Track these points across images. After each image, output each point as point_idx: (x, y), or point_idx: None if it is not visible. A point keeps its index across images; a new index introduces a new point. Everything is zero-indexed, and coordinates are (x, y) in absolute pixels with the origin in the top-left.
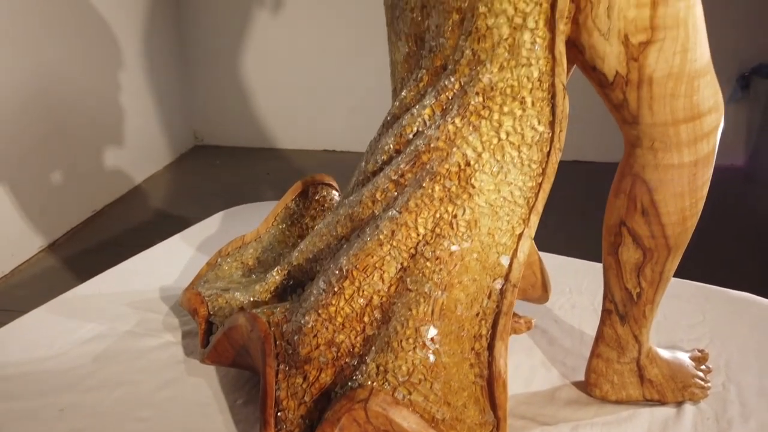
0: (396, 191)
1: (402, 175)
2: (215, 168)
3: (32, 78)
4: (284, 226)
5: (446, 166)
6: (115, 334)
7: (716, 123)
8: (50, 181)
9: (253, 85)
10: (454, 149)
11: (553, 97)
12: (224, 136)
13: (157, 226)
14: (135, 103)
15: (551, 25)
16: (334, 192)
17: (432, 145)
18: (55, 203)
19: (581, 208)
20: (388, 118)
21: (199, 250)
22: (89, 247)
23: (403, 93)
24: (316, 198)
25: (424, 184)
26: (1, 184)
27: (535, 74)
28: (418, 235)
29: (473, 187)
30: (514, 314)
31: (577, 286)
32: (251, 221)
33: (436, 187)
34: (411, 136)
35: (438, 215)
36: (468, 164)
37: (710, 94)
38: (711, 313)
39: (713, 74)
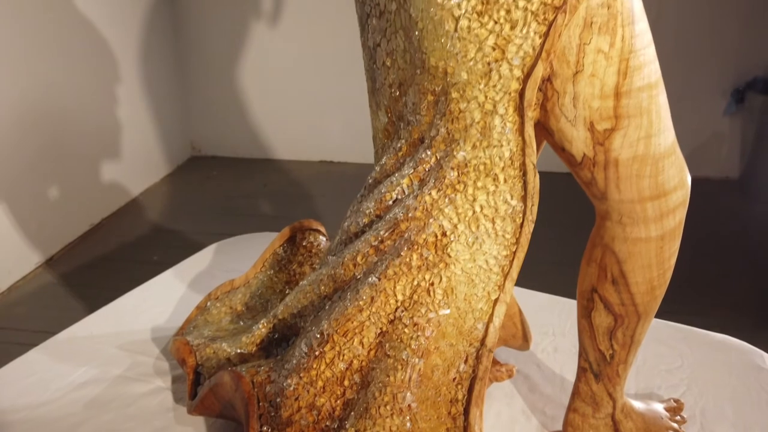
0: (376, 257)
1: (382, 242)
2: (212, 179)
3: (28, 93)
4: (272, 272)
5: (423, 236)
6: (107, 378)
7: (682, 199)
8: (47, 197)
9: (250, 95)
10: (431, 220)
11: (525, 174)
12: (221, 146)
13: (153, 240)
14: (132, 115)
15: (520, 111)
16: (321, 237)
17: (410, 215)
18: (52, 218)
19: (568, 235)
20: (370, 182)
21: (190, 287)
22: (86, 262)
23: (383, 159)
24: (304, 244)
25: (402, 253)
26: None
27: (507, 154)
28: (396, 301)
29: (449, 256)
30: (496, 362)
31: (560, 327)
32: (242, 255)
33: (414, 256)
34: (391, 202)
35: (416, 283)
36: (444, 234)
37: (675, 173)
38: (689, 357)
39: (678, 153)
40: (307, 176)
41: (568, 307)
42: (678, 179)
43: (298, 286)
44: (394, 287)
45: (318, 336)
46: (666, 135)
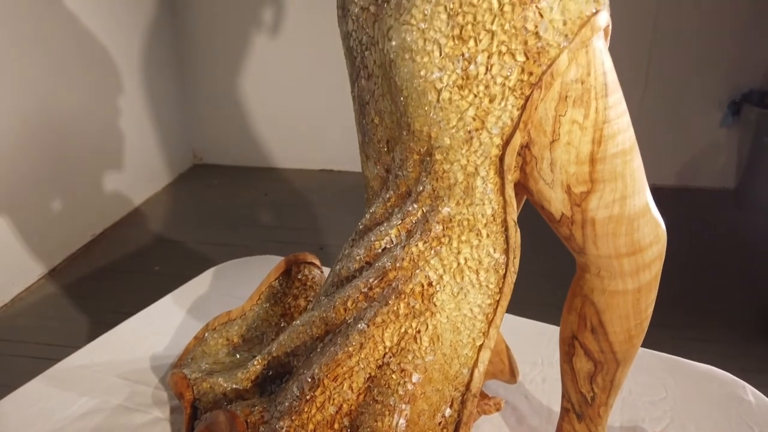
0: (365, 303)
1: (371, 289)
2: (213, 188)
3: (30, 105)
4: (268, 305)
5: (410, 285)
6: (107, 408)
7: (658, 253)
8: (50, 208)
9: (251, 105)
10: (418, 270)
11: (506, 230)
12: (223, 155)
13: (155, 251)
14: (134, 124)
15: (501, 174)
16: (315, 271)
17: (398, 265)
18: (55, 229)
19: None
20: (360, 227)
21: (189, 313)
22: (88, 273)
23: (373, 207)
24: (299, 277)
25: (390, 301)
26: (2, 212)
27: (489, 212)
28: (384, 348)
29: (435, 305)
30: (484, 395)
31: (549, 356)
32: (240, 280)
33: (401, 305)
34: (380, 250)
35: (403, 330)
36: (430, 284)
37: (650, 230)
38: (674, 389)
39: (652, 211)
40: (308, 185)
41: (558, 335)
42: (653, 235)
43: (292, 325)
44: (383, 334)
45: (309, 380)
46: (640, 196)
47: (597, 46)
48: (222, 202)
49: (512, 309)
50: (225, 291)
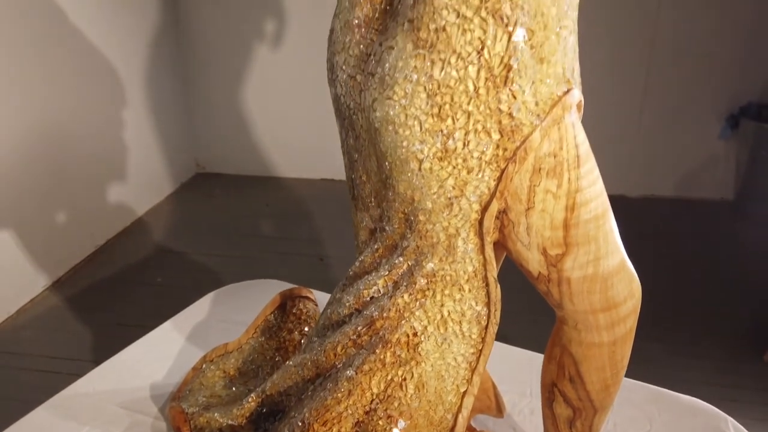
0: (354, 349)
1: (359, 336)
2: (215, 198)
3: (34, 118)
4: (263, 338)
5: (396, 335)
6: None
7: (632, 308)
8: (54, 219)
9: (253, 114)
10: (403, 321)
11: (487, 286)
12: (225, 164)
13: (157, 262)
14: (137, 134)
15: (480, 236)
16: (310, 304)
17: (384, 315)
18: (59, 240)
19: None
20: (350, 274)
21: (188, 340)
22: (92, 284)
23: (363, 256)
24: (294, 311)
25: (377, 350)
26: (6, 224)
27: (470, 269)
28: (372, 394)
29: (420, 354)
30: (472, 429)
31: (537, 387)
32: (239, 305)
33: (388, 354)
34: (368, 299)
35: (389, 378)
36: (415, 335)
37: (624, 287)
38: (657, 421)
39: (626, 269)
40: (309, 194)
41: None
42: (627, 291)
43: (285, 365)
44: (370, 381)
45: (300, 424)
46: (614, 255)
47: (569, 122)
48: (224, 211)
49: (501, 336)
50: (224, 317)
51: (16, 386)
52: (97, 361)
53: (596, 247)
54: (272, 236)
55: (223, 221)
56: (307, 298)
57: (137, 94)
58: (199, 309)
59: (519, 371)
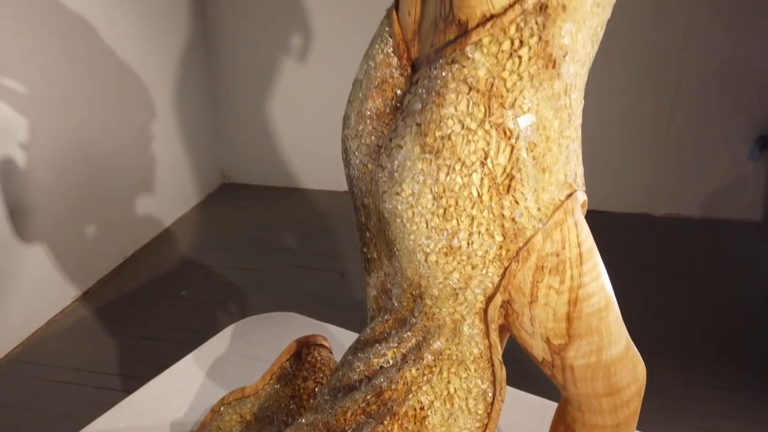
0: (363, 417)
1: (368, 404)
2: (241, 209)
3: (68, 135)
4: (279, 386)
5: (404, 408)
6: None
7: (636, 391)
8: (84, 231)
9: (279, 126)
10: (410, 395)
11: (492, 366)
12: (251, 175)
13: (182, 274)
14: (166, 146)
15: (485, 322)
16: (324, 352)
17: (393, 386)
18: (89, 252)
19: None
20: (362, 339)
21: (208, 375)
22: (119, 296)
23: (374, 324)
24: (309, 359)
25: (385, 422)
26: (40, 236)
27: (476, 351)
28: None
29: (427, 428)
30: None
31: None
32: (258, 339)
33: (395, 426)
34: (378, 368)
35: None
36: (422, 408)
37: (627, 372)
38: None
39: (630, 355)
40: (332, 206)
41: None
42: (631, 376)
43: (297, 423)
44: None
45: None
46: (617, 345)
47: (571, 223)
48: (248, 223)
49: (512, 383)
50: (243, 352)
51: (43, 397)
52: (120, 375)
53: (599, 338)
54: (295, 249)
55: (248, 233)
56: (322, 345)
57: (166, 107)
58: (220, 342)
59: (531, 419)
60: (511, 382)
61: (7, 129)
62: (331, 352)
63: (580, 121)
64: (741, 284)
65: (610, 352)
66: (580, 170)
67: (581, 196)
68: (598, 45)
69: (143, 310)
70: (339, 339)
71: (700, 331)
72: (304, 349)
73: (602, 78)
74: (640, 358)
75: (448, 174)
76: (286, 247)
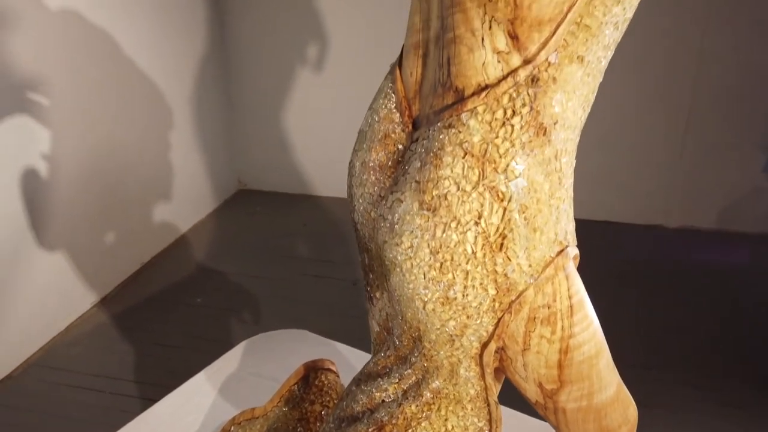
0: None
1: None
2: (256, 215)
3: (89, 145)
4: (287, 408)
5: None
6: None
7: (627, 431)
8: (103, 237)
9: (294, 133)
10: (410, 430)
11: (488, 406)
12: (266, 181)
13: (198, 281)
14: (183, 152)
15: (481, 366)
16: (332, 376)
17: (393, 421)
18: (108, 258)
19: None
20: (365, 371)
21: (220, 392)
22: (136, 303)
23: (377, 357)
24: (316, 383)
25: None
26: (61, 243)
27: (472, 392)
28: None
29: None
30: None
31: None
32: (270, 356)
33: None
34: (380, 401)
35: None
36: None
37: (619, 415)
38: None
39: (621, 398)
40: (345, 214)
41: None
42: (622, 419)
43: None
44: None
45: None
46: (607, 390)
47: (562, 277)
48: (263, 230)
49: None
50: (254, 369)
51: (61, 403)
52: (135, 381)
53: (589, 384)
54: (308, 258)
55: (262, 240)
56: (329, 370)
57: (184, 116)
58: (232, 359)
59: None
60: (512, 404)
61: (31, 140)
62: (338, 376)
63: (572, 180)
64: (755, 298)
65: (600, 397)
66: (571, 227)
67: (572, 251)
68: (590, 108)
69: (159, 317)
70: (348, 358)
71: (712, 346)
72: (311, 373)
73: (617, 89)
74: (632, 400)
75: (444, 231)
76: (299, 255)
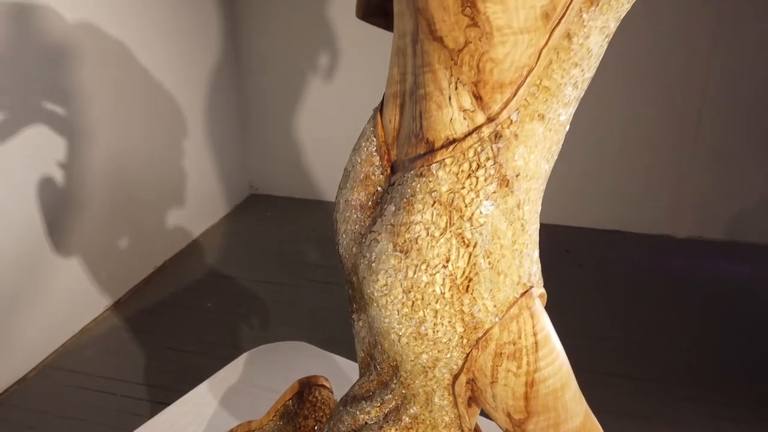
0: None
1: None
2: (266, 220)
3: (106, 149)
4: (282, 423)
5: None
6: None
7: None
8: (117, 242)
9: (305, 140)
10: None
11: None
12: (278, 186)
13: (209, 286)
14: (196, 158)
15: (453, 395)
16: (325, 392)
17: None
18: (121, 262)
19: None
20: (351, 394)
21: (221, 403)
22: (148, 306)
23: (362, 380)
24: (310, 399)
25: None
26: (76, 246)
27: (447, 419)
28: None
29: None
30: None
31: None
32: (271, 368)
33: None
34: (363, 423)
35: None
36: None
37: None
38: None
39: (588, 427)
40: None
41: None
42: None
43: None
44: None
45: None
46: (574, 420)
47: (527, 315)
48: (274, 235)
49: None
50: (254, 381)
51: (74, 405)
52: (146, 384)
53: (555, 414)
54: (316, 264)
55: (273, 245)
56: (323, 386)
57: (197, 121)
58: (234, 371)
59: None
60: None
61: (47, 148)
62: (331, 392)
63: (537, 225)
64: (764, 309)
65: (567, 427)
66: (535, 268)
67: (536, 291)
68: (554, 159)
69: (170, 321)
70: (345, 371)
71: (718, 359)
72: (306, 389)
73: (626, 99)
74: (599, 428)
75: (415, 272)
76: (308, 261)
